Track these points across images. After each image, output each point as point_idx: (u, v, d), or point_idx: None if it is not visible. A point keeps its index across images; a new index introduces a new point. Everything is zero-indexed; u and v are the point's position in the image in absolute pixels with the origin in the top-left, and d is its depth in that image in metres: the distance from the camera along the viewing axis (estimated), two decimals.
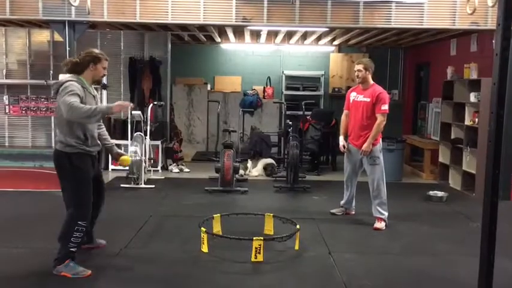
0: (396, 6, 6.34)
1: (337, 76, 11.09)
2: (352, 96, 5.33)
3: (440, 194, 6.64)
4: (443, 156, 7.91)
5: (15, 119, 8.89)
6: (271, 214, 4.85)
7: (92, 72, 3.76)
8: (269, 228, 4.79)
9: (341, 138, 5.43)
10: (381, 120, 5.04)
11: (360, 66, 5.17)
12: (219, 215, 4.79)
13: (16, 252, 4.20)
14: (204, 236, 4.23)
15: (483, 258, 2.53)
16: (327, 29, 7.85)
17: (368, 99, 5.09)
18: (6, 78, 8.75)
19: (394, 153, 7.94)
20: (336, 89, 11.00)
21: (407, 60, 11.13)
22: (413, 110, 10.70)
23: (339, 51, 11.11)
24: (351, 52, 11.10)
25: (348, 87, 10.88)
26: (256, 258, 4.01)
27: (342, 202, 5.65)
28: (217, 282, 3.72)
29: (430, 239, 4.89)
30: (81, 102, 3.54)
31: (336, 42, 10.26)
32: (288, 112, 9.49)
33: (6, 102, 8.78)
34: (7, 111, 8.81)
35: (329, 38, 9.59)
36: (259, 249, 4.01)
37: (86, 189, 3.72)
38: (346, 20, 6.48)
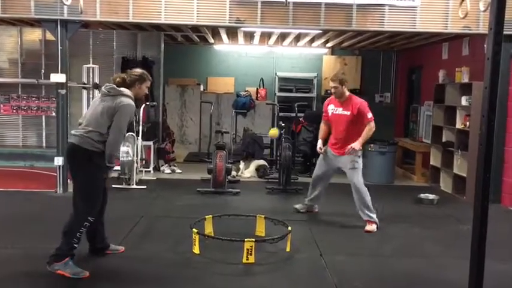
0: (389, 9, 6.36)
1: (330, 78, 11.09)
2: (331, 109, 5.42)
3: (431, 196, 6.68)
4: (435, 159, 7.96)
5: (5, 118, 8.81)
6: (263, 216, 4.85)
7: (136, 91, 3.97)
8: (261, 229, 4.79)
9: (319, 142, 5.53)
10: (372, 125, 5.12)
11: (335, 83, 5.24)
12: (210, 216, 4.77)
13: (6, 252, 4.16)
14: (196, 237, 4.22)
15: (474, 261, 2.54)
16: (320, 31, 7.87)
17: (348, 113, 5.19)
18: None
19: (386, 155, 7.98)
20: (329, 91, 10.74)
21: (400, 63, 11.19)
22: (405, 113, 10.76)
23: (332, 53, 11.15)
24: (344, 54, 11.14)
25: None
26: (247, 259, 4.01)
27: (307, 199, 5.75)
28: (209, 283, 3.72)
29: (421, 242, 4.91)
30: None
31: (329, 45, 10.30)
32: (280, 114, 9.50)
33: None
34: None
35: (322, 40, 9.62)
36: (251, 251, 4.01)
37: (97, 185, 3.83)
38: (339, 23, 6.49)
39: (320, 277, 3.87)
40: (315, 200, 5.73)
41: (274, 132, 4.88)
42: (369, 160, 8.07)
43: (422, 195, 6.71)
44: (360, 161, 5.25)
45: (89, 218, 3.74)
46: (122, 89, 3.88)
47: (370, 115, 5.13)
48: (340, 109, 5.26)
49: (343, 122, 5.21)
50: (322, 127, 5.57)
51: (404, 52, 10.81)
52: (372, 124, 5.12)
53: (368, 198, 5.21)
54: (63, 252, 3.65)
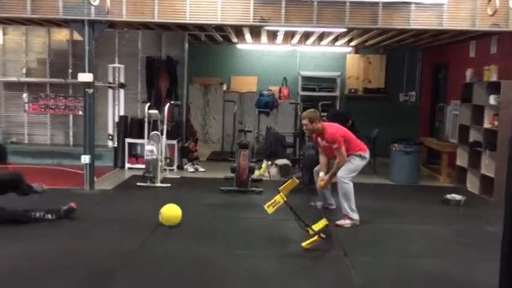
0: (415, 7, 6.27)
1: (354, 77, 11.03)
2: (319, 141, 5.65)
3: (458, 197, 6.55)
4: (461, 159, 7.81)
5: (34, 117, 9.02)
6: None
7: None
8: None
9: (321, 173, 5.67)
10: (340, 153, 5.32)
11: (305, 121, 5.51)
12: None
13: (32, 248, 4.25)
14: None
15: (504, 264, 2.49)
16: (345, 30, 7.81)
17: (328, 144, 5.45)
18: (26, 76, 8.89)
19: (410, 155, 7.87)
20: (353, 90, 10.94)
21: (425, 62, 11.02)
22: (430, 112, 10.59)
23: (356, 52, 11.05)
24: (367, 53, 11.02)
25: (365, 89, 10.93)
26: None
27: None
28: (233, 281, 3.73)
29: (448, 243, 4.84)
30: None
31: (353, 43, 10.21)
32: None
33: (26, 100, 8.91)
34: (26, 109, 8.94)
35: (346, 39, 9.54)
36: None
37: None
38: (365, 21, 6.43)
39: (345, 278, 3.84)
40: (324, 197, 5.91)
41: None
42: (393, 160, 8.00)
43: (448, 196, 6.58)
44: (354, 160, 5.39)
45: None
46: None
47: (336, 145, 5.31)
48: (324, 142, 5.52)
49: (330, 151, 5.48)
50: (321, 158, 5.77)
51: (430, 50, 10.64)
52: (340, 152, 5.30)
53: (349, 194, 5.29)
54: None
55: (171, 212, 5.05)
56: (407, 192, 7.30)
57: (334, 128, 5.47)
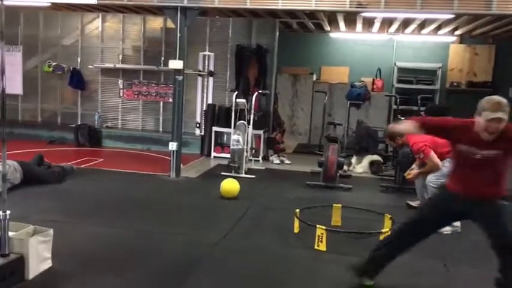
0: None
1: (457, 69, 10.12)
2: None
3: None
4: None
5: (127, 102, 9.31)
6: (389, 215, 4.43)
7: None
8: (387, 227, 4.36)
9: (413, 166, 5.14)
10: (430, 167, 4.80)
11: (386, 140, 5.28)
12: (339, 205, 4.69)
13: (117, 232, 4.26)
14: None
15: None
16: (453, 16, 7.07)
17: (417, 156, 4.94)
18: (121, 63, 9.18)
19: None
20: (455, 84, 10.05)
21: None
22: None
23: (461, 42, 10.13)
24: (474, 43, 10.05)
25: (469, 82, 9.97)
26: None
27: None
28: (320, 282, 3.42)
29: None
30: None
31: (458, 32, 9.32)
32: (400, 107, 8.82)
33: (121, 86, 9.22)
34: (121, 95, 9.25)
35: (451, 27, 8.73)
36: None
37: None
38: (477, 6, 5.73)
39: None
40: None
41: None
42: None
43: None
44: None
45: None
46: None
47: (421, 154, 4.79)
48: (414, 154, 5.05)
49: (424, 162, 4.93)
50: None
51: None
52: (430, 159, 4.73)
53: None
54: None
55: (229, 185, 5.60)
56: None
57: (417, 138, 4.81)
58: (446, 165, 4.75)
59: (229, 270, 3.58)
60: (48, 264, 3.35)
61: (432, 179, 4.81)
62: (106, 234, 4.17)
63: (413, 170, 4.96)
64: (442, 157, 4.76)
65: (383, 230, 4.05)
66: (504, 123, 2.84)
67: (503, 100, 2.88)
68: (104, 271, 3.44)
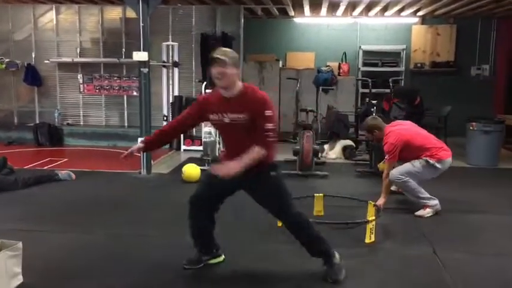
0: None
1: (420, 50, 10.20)
2: None
3: None
4: None
5: (89, 98, 8.90)
6: (373, 202, 4.36)
7: None
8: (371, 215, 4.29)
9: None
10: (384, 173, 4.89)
11: (365, 133, 5.22)
12: (321, 195, 4.61)
13: (91, 238, 4.01)
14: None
15: None
16: None
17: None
18: (80, 56, 8.75)
19: (490, 135, 7.11)
20: (419, 65, 10.13)
21: (500, 32, 10.01)
22: (507, 87, 9.65)
23: (423, 23, 10.19)
24: (436, 23, 10.13)
25: (433, 63, 10.09)
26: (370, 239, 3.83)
27: None
28: (314, 270, 3.31)
29: None
30: None
31: (421, 13, 9.37)
32: (365, 90, 8.81)
33: (81, 81, 8.79)
34: (81, 90, 8.83)
35: (414, 8, 8.75)
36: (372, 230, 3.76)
37: None
38: None
39: (438, 280, 3.33)
40: None
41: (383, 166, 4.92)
42: (470, 140, 7.28)
43: None
44: (417, 164, 4.69)
45: None
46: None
47: (386, 156, 4.84)
48: None
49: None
50: None
51: (508, 19, 9.62)
52: (387, 163, 4.82)
53: (409, 187, 4.72)
54: None
55: (190, 171, 5.92)
56: (487, 177, 6.60)
57: (393, 136, 4.70)
58: (415, 165, 4.69)
59: (214, 273, 3.41)
60: (19, 280, 3.09)
61: (395, 173, 4.67)
62: (79, 241, 3.91)
63: (381, 200, 4.70)
64: (415, 156, 4.70)
65: (370, 219, 3.96)
66: (227, 68, 2.92)
67: (230, 50, 3.07)
68: (82, 283, 3.21)
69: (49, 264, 3.45)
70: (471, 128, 7.18)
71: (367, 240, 3.87)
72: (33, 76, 8.77)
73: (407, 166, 4.70)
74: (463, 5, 8.17)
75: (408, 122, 5.10)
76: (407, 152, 4.71)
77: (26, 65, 8.75)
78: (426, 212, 4.69)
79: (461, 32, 10.12)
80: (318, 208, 4.60)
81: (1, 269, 2.91)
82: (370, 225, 3.86)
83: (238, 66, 3.05)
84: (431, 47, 10.16)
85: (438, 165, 4.68)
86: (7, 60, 8.77)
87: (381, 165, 5.13)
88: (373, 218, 3.98)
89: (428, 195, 4.70)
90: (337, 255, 3.28)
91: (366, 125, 5.09)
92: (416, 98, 8.03)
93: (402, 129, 4.82)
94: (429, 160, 4.66)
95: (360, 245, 3.85)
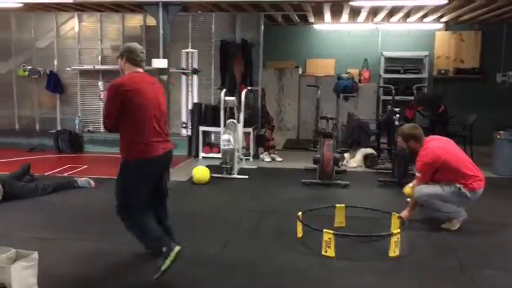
0: None
1: (444, 57, 10.00)
2: None
3: None
4: None
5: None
6: (397, 214, 4.22)
7: None
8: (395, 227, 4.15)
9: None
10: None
11: (399, 138, 4.89)
12: (343, 205, 4.49)
13: (109, 247, 3.95)
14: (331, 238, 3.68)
15: None
16: (445, 2, 6.81)
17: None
18: (101, 64, 8.79)
19: None
20: (442, 71, 9.93)
21: None
22: None
23: (446, 29, 9.98)
24: (460, 30, 9.92)
25: (456, 69, 9.86)
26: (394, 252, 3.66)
27: None
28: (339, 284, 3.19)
29: None
30: None
31: (444, 19, 9.18)
32: (387, 97, 8.61)
33: (101, 88, 8.82)
34: (102, 97, 8.85)
35: (437, 14, 8.56)
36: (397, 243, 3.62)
37: None
38: None
39: None
40: None
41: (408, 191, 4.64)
42: (497, 149, 7.04)
43: None
44: (448, 188, 4.41)
45: None
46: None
47: (418, 174, 4.61)
48: None
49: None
50: None
51: None
52: (418, 182, 4.61)
53: (433, 205, 4.46)
54: None
55: (200, 173, 6.21)
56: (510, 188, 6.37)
57: (429, 156, 4.37)
58: (445, 189, 4.40)
59: (234, 285, 3.31)
60: None
61: (420, 194, 4.44)
62: (97, 251, 3.86)
63: (405, 212, 4.50)
64: (448, 179, 4.43)
65: (394, 231, 3.81)
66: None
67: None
68: None
69: (65, 273, 3.40)
70: (498, 136, 6.95)
71: (391, 254, 3.73)
72: (55, 83, 8.84)
73: (436, 189, 4.40)
74: (488, 11, 7.96)
75: (445, 139, 4.77)
76: (441, 174, 4.42)
77: (48, 72, 8.83)
78: (452, 225, 4.50)
79: (486, 38, 9.88)
80: (340, 219, 4.46)
81: (16, 280, 2.87)
82: (394, 238, 3.71)
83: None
84: (455, 53, 9.95)
85: (470, 196, 4.39)
86: (30, 67, 8.86)
87: (407, 190, 4.78)
88: (398, 230, 3.83)
89: (454, 208, 4.50)
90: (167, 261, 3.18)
91: (403, 132, 4.69)
92: (440, 105, 7.84)
93: (439, 148, 4.48)
94: (462, 189, 4.36)
95: (383, 258, 3.71)
